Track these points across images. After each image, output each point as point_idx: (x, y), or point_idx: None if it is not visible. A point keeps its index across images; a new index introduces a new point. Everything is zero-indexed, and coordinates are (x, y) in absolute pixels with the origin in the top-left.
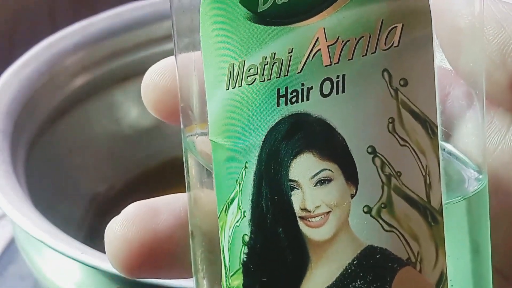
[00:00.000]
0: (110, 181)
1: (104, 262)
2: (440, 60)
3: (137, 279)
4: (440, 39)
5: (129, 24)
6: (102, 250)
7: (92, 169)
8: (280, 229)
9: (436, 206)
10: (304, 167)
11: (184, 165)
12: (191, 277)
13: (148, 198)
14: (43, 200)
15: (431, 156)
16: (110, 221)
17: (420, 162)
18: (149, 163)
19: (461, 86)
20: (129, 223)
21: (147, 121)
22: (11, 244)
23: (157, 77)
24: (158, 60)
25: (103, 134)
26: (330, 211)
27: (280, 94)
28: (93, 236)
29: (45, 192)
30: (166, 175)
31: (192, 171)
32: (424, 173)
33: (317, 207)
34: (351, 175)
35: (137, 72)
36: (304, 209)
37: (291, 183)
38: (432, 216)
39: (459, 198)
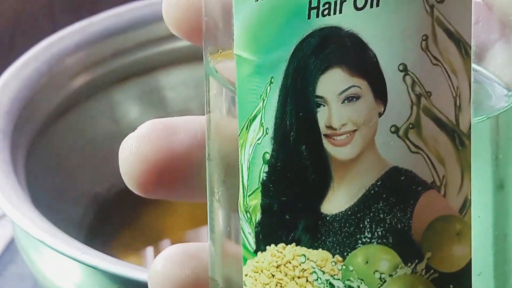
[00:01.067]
0: (110, 181)
1: (104, 262)
2: None
3: (138, 279)
4: None
5: (129, 24)
6: (102, 250)
7: (92, 169)
8: (303, 146)
9: (464, 129)
10: (332, 83)
11: (205, 84)
12: (204, 200)
13: (149, 198)
14: (43, 200)
15: (463, 77)
16: (110, 221)
17: (452, 82)
18: None
19: (492, 15)
20: (145, 140)
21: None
22: (11, 244)
23: None
24: (158, 60)
25: (103, 134)
26: (356, 130)
27: (312, 5)
28: (93, 236)
29: (45, 192)
30: None
31: (213, 91)
32: (454, 95)
33: (343, 125)
34: (380, 93)
35: (137, 72)
36: (330, 127)
37: (318, 99)
38: (459, 139)
39: (484, 117)
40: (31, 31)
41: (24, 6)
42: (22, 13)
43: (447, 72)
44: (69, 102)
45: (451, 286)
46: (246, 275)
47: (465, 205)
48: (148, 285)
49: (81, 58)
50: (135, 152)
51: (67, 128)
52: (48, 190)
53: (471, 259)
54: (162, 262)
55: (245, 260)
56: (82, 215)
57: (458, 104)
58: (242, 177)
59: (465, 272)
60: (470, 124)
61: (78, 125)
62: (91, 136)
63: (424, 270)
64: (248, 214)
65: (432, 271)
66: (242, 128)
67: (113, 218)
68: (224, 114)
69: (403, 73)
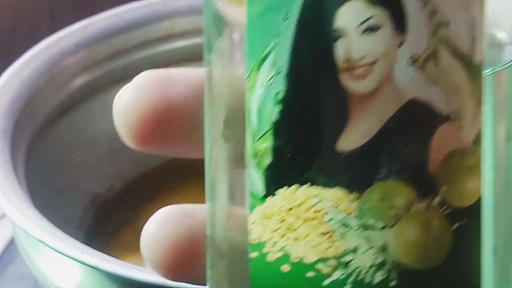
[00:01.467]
0: (110, 181)
1: (104, 262)
2: None
3: (138, 279)
4: None
5: (129, 24)
6: (102, 250)
7: (92, 169)
8: (320, 82)
9: (478, 62)
10: (352, 14)
11: (205, 28)
12: (200, 155)
13: (149, 198)
14: (43, 200)
15: (478, 8)
16: (110, 221)
17: (469, 12)
18: (149, 163)
19: None
20: (142, 90)
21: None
22: (11, 244)
23: None
24: (158, 60)
25: (103, 134)
26: (375, 62)
27: None
28: (93, 236)
29: (45, 192)
30: (166, 175)
31: (215, 35)
32: (471, 25)
33: (362, 56)
34: (400, 23)
35: (137, 72)
36: (348, 59)
37: (336, 32)
38: (474, 71)
39: (491, 70)
40: (31, 31)
41: (24, 6)
42: (22, 13)
43: (464, 1)
44: (69, 102)
45: (465, 220)
46: (253, 223)
47: (478, 139)
48: (141, 249)
49: (81, 58)
50: (132, 103)
51: (67, 128)
52: (48, 190)
53: (481, 194)
54: (155, 223)
55: (252, 207)
56: (82, 215)
57: (474, 36)
58: (250, 121)
59: (476, 206)
60: (483, 57)
61: (78, 125)
62: (91, 136)
63: (438, 204)
64: (256, 159)
65: (446, 205)
66: (252, 70)
67: (113, 218)
68: (227, 60)
69: (422, 2)
